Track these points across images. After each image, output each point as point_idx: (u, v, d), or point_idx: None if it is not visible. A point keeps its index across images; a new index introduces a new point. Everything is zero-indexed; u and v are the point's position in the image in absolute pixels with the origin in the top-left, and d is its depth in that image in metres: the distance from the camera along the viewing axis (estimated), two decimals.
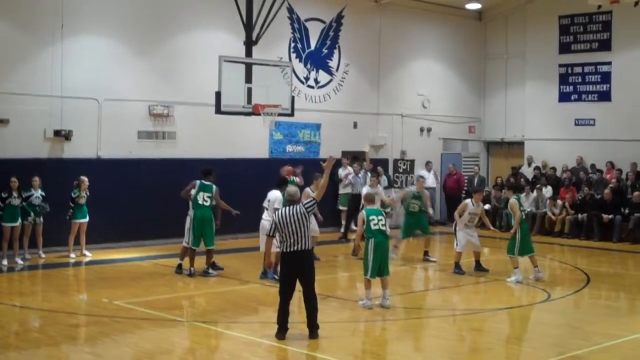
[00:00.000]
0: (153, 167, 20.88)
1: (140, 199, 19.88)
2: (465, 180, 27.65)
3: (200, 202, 16.23)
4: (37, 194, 18.28)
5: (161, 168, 20.79)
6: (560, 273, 18.65)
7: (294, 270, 11.23)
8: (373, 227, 13.34)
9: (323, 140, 25.27)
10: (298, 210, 11.18)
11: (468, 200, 17.59)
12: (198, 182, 16.36)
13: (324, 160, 11.96)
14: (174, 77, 21.84)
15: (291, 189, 11.92)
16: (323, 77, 25.55)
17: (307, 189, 17.13)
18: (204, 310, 13.40)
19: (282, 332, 11.29)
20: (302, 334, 11.51)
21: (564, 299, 15.05)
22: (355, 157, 25.45)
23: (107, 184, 19.96)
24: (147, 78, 21.38)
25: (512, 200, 17.03)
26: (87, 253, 19.01)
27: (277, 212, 11.50)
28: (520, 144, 29.07)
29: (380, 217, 13.54)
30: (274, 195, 15.71)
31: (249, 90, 17.52)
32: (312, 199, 11.52)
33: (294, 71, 22.52)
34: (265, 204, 15.89)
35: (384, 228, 13.48)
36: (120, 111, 20.74)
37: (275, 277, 14.67)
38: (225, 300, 14.38)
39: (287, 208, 11.32)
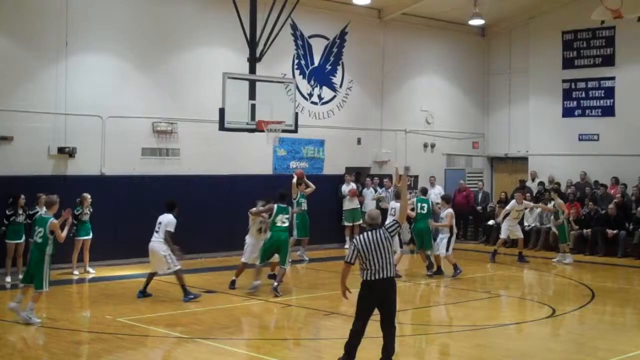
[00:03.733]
0: (157, 183, 20.88)
1: (144, 215, 19.88)
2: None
3: (278, 224, 16.47)
4: (42, 211, 18.26)
5: (165, 185, 20.79)
6: (565, 288, 18.59)
7: (378, 299, 10.20)
8: None
9: (327, 156, 25.29)
10: (381, 235, 10.20)
11: (513, 201, 21.99)
12: (275, 206, 16.68)
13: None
14: (177, 94, 21.90)
15: (373, 211, 10.87)
16: (327, 93, 25.60)
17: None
18: (208, 327, 13.35)
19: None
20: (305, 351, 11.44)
21: (569, 314, 14.99)
22: (358, 173, 25.52)
23: (111, 200, 19.99)
24: (150, 95, 21.45)
25: (560, 200, 22.15)
26: (90, 270, 19.01)
27: (358, 238, 10.35)
28: (524, 159, 29.06)
29: None
30: (166, 218, 15.65)
31: (253, 107, 17.51)
32: (395, 221, 10.56)
33: (297, 87, 22.61)
34: (156, 227, 15.80)
35: None
36: (124, 128, 20.79)
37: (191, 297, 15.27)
38: (230, 317, 14.35)
39: (370, 233, 10.25)
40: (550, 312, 14.89)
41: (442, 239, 18.92)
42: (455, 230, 19.21)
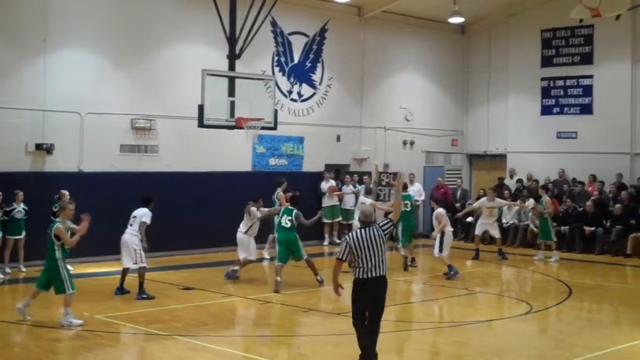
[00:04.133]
0: (135, 180, 20.77)
1: (122, 212, 19.78)
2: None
3: (283, 224, 16.99)
4: (20, 207, 18.20)
5: (143, 181, 20.68)
6: (542, 285, 18.68)
7: (370, 298, 9.98)
8: None
9: (306, 153, 25.28)
10: (375, 233, 10.00)
11: (483, 198, 22.24)
12: (282, 208, 17.43)
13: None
14: (156, 91, 21.83)
15: (366, 209, 10.99)
16: (306, 90, 25.59)
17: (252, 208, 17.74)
18: (185, 324, 13.33)
19: None
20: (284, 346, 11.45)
21: (546, 311, 15.08)
22: (338, 170, 25.54)
23: (89, 197, 19.85)
24: (129, 91, 21.37)
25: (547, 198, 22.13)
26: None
27: (351, 235, 10.17)
28: (503, 156, 29.18)
29: None
30: (142, 211, 15.69)
31: (232, 104, 17.50)
32: (389, 220, 10.24)
33: (277, 85, 22.55)
34: (131, 221, 15.79)
35: None
36: (102, 124, 20.70)
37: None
38: (207, 313, 14.32)
39: (363, 230, 10.07)
40: (527, 309, 14.97)
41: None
42: (448, 229, 18.75)
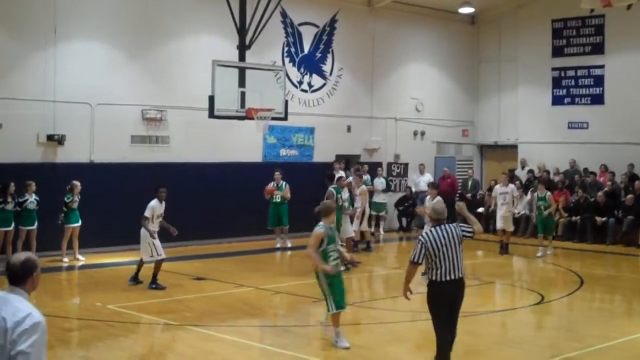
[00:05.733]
0: (146, 171, 20.80)
1: (133, 203, 19.83)
2: (460, 183, 27.69)
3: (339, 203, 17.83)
4: (32, 198, 18.27)
5: (154, 172, 20.71)
6: (553, 275, 18.67)
7: (449, 300, 9.23)
8: None
9: (317, 144, 25.27)
10: (453, 232, 9.15)
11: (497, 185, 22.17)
12: (332, 188, 18.37)
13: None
14: (167, 82, 21.83)
15: (439, 205, 10.03)
16: (317, 81, 25.56)
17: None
18: (198, 314, 13.37)
19: None
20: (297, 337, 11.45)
21: (557, 301, 15.07)
22: (348, 161, 25.51)
23: (100, 188, 19.94)
24: (140, 82, 21.37)
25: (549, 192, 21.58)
26: (80, 257, 18.99)
27: (426, 234, 9.22)
28: (514, 147, 29.12)
29: None
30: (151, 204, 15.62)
31: (243, 95, 17.51)
32: (471, 229, 9.31)
33: (287, 75, 22.57)
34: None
35: None
36: (113, 115, 20.70)
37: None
38: (220, 304, 14.35)
39: (438, 229, 9.16)
40: (539, 299, 14.95)
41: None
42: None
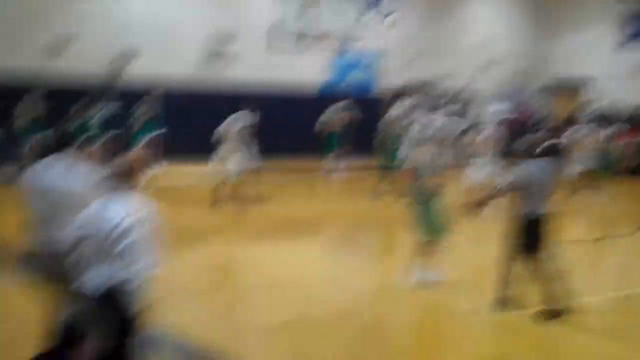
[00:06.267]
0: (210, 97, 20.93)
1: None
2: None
3: None
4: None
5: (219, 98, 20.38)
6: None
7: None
8: None
9: (383, 72, 25.04)
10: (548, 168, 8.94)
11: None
12: None
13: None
14: (232, 6, 21.88)
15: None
16: (388, 6, 25.20)
17: None
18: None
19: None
20: None
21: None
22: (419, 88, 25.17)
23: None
24: (206, 8, 21.57)
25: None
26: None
27: (523, 170, 8.84)
28: (584, 83, 28.55)
29: None
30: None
31: (311, 18, 17.30)
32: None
33: None
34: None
35: None
36: (182, 39, 20.97)
37: None
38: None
39: (535, 163, 8.87)
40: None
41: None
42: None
